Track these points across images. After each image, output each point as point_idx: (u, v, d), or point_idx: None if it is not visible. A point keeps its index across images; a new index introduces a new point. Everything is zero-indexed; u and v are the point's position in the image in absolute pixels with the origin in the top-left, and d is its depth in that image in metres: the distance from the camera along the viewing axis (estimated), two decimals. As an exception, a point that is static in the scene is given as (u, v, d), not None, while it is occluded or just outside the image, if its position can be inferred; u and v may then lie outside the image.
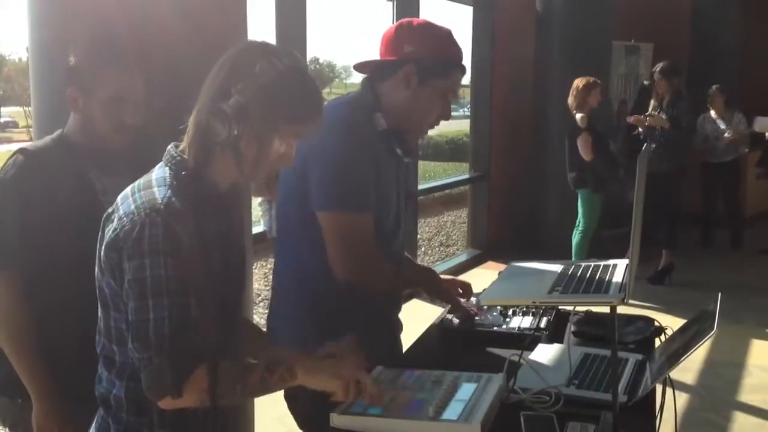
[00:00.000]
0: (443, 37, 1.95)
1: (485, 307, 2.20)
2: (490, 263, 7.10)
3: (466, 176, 7.92)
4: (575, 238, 6.10)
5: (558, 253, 5.98)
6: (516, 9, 7.51)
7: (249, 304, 2.49)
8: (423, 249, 9.21)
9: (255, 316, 6.31)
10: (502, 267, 2.09)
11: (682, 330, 1.88)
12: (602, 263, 1.80)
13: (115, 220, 1.42)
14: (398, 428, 1.51)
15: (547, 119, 7.18)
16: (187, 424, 1.49)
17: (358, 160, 1.85)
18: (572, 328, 2.16)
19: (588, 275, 1.71)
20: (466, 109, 15.12)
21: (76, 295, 1.71)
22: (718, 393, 4.25)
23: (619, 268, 1.73)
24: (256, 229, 4.96)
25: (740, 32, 9.42)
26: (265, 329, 2.04)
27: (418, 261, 8.16)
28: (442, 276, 2.23)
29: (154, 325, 1.35)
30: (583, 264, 1.84)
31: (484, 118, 7.47)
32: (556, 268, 1.80)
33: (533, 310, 2.18)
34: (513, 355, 1.74)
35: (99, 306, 1.49)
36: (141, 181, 1.49)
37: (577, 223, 6.11)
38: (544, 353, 1.96)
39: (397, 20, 5.95)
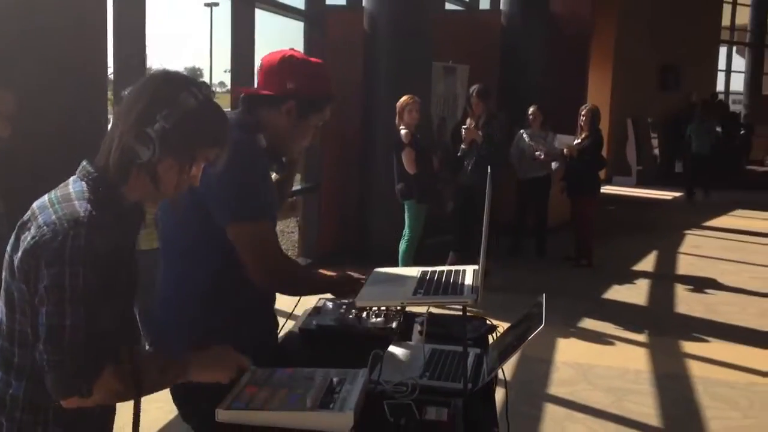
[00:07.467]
0: (321, 76, 2.17)
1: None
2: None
3: (298, 187, 8.11)
4: (402, 246, 6.47)
5: (385, 262, 6.31)
6: (345, 27, 7.82)
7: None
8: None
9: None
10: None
11: (513, 327, 2.19)
12: (453, 269, 2.06)
13: (33, 228, 1.51)
14: (280, 419, 1.68)
15: (374, 134, 7.54)
16: (82, 421, 1.58)
17: (253, 174, 2.03)
18: (419, 328, 2.41)
19: (444, 279, 1.96)
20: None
21: None
22: (531, 386, 4.71)
23: (468, 273, 2.01)
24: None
25: (544, 55, 10.39)
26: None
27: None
28: (350, 273, 2.34)
29: (71, 331, 1.46)
30: (438, 269, 2.10)
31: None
32: (416, 273, 2.05)
33: (384, 311, 2.40)
34: (375, 352, 1.95)
35: (4, 308, 1.56)
36: (58, 193, 1.58)
37: (403, 233, 6.49)
38: (399, 350, 2.20)
39: (231, 28, 6.07)
